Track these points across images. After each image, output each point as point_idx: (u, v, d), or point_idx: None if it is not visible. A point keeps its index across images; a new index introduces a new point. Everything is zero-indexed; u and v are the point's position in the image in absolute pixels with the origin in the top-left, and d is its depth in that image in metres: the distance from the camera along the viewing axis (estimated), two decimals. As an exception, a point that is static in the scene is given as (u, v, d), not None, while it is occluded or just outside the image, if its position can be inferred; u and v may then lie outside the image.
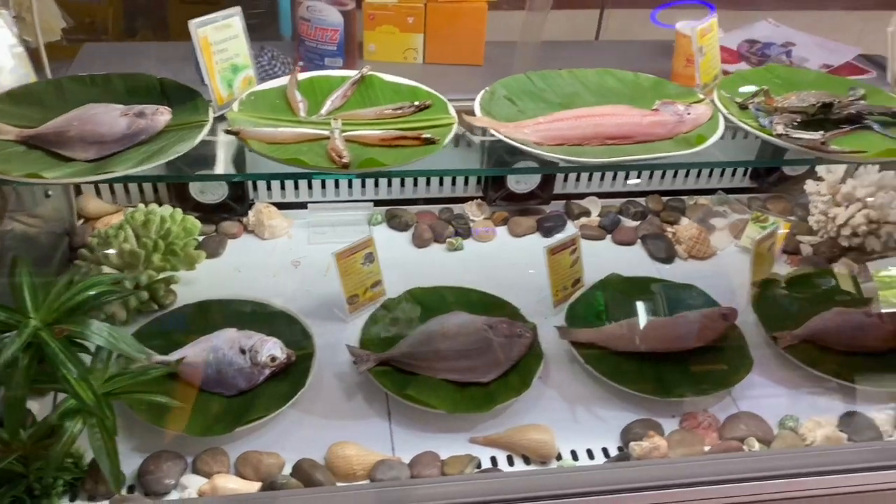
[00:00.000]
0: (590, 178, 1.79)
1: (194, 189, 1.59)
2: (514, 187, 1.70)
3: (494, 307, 1.46)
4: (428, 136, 1.06)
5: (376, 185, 1.71)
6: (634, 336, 1.38)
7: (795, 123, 1.16)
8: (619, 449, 1.23)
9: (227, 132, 1.03)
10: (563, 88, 1.28)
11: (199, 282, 1.52)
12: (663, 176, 1.82)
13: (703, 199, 1.82)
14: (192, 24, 1.10)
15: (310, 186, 1.69)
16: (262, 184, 1.67)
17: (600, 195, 1.83)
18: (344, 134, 1.07)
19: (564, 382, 1.36)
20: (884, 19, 2.05)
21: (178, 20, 1.82)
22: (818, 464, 1.14)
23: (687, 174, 1.82)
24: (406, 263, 1.62)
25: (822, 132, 1.10)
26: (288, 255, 1.62)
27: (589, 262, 1.61)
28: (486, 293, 1.49)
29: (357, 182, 1.70)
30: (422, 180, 1.73)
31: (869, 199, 1.65)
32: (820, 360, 1.38)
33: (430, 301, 1.47)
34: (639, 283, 1.54)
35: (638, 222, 1.76)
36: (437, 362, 1.32)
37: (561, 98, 1.26)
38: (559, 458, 1.21)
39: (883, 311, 1.44)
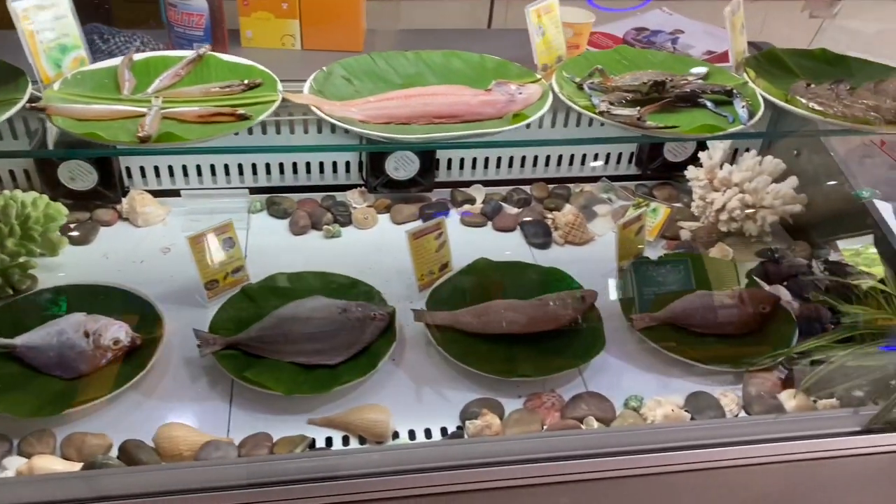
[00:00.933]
0: (473, 167, 1.80)
1: (63, 176, 1.58)
2: (392, 174, 1.71)
3: (358, 292, 1.46)
4: (242, 112, 1.06)
5: (254, 172, 1.71)
6: (490, 318, 1.39)
7: (624, 101, 1.18)
8: (458, 428, 1.23)
9: (31, 108, 1.03)
10: (406, 69, 1.29)
11: (63, 268, 1.52)
12: (547, 164, 1.83)
13: (588, 187, 1.83)
14: (12, 2, 1.10)
15: (185, 174, 1.68)
16: (136, 170, 1.67)
17: (486, 183, 1.83)
18: (166, 111, 1.07)
19: (417, 364, 1.36)
20: (787, 8, 2.09)
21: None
22: (647, 441, 1.14)
23: (571, 161, 1.83)
24: (281, 250, 1.62)
25: (638, 108, 1.11)
26: (160, 243, 1.62)
27: (467, 249, 1.62)
28: (353, 278, 1.49)
29: (234, 169, 1.70)
30: (301, 167, 1.73)
31: (746, 184, 1.66)
32: (676, 342, 1.39)
33: (293, 286, 1.47)
34: (506, 267, 1.55)
35: (520, 209, 1.77)
36: (284, 345, 1.32)
37: (402, 79, 1.27)
38: (396, 436, 1.21)
39: (744, 293, 1.45)
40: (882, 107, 1.19)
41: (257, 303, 1.43)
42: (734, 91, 1.21)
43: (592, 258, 1.65)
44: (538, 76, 1.25)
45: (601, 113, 1.14)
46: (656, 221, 1.72)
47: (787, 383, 1.33)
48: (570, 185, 1.85)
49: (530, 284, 1.52)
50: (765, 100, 1.23)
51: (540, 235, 1.68)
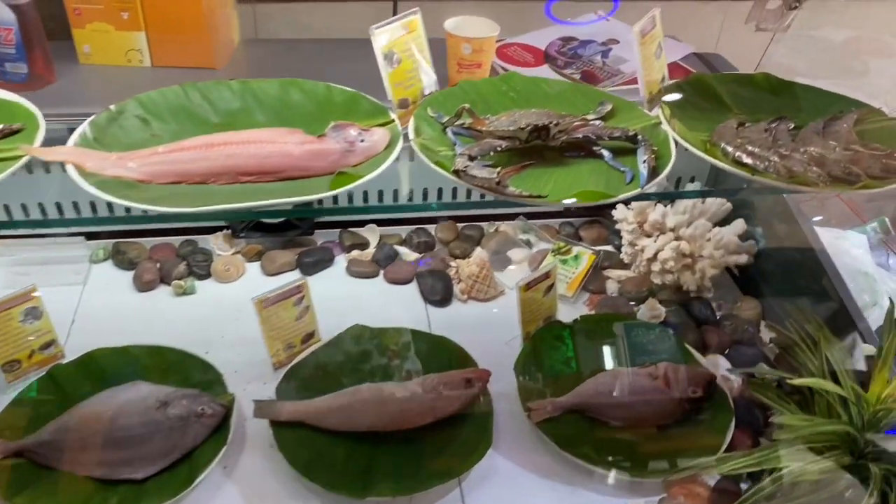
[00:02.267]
0: (365, 200, 1.52)
1: None
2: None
3: (194, 373, 1.20)
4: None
5: (94, 210, 1.43)
6: (351, 411, 1.13)
7: (496, 151, 0.91)
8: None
9: None
10: (227, 104, 1.02)
11: None
12: (454, 195, 1.55)
13: (504, 226, 1.56)
14: None
15: (8, 214, 1.41)
16: (-56, 215, 1.39)
17: (386, 222, 1.56)
18: None
19: (256, 474, 1.10)
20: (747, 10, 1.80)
21: None
22: None
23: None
24: (118, 313, 1.35)
25: (498, 169, 0.84)
26: (-30, 304, 1.33)
27: (349, 307, 1.36)
28: (191, 354, 1.23)
29: (69, 206, 1.42)
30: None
31: (682, 230, 1.40)
32: (582, 439, 1.13)
33: (113, 367, 1.20)
34: (385, 336, 1.29)
35: (420, 255, 1.50)
36: (82, 453, 1.05)
37: (221, 117, 1.01)
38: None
39: (670, 370, 1.19)
40: (827, 159, 0.93)
41: (65, 390, 1.16)
42: (638, 137, 0.94)
43: (498, 320, 1.39)
44: (392, 116, 0.98)
45: (456, 172, 0.87)
46: (577, 271, 1.45)
47: (725, 498, 1.07)
48: (485, 224, 1.58)
49: (413, 359, 1.25)
50: (681, 147, 0.96)
51: (439, 290, 1.41)
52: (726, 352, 1.34)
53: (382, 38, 0.96)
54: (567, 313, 1.39)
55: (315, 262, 1.47)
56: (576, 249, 1.50)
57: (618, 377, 1.20)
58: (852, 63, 1.67)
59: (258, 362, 1.25)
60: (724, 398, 1.20)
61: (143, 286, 1.39)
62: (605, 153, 0.95)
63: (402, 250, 1.51)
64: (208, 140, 0.91)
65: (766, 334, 1.38)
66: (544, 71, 1.51)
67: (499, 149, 0.93)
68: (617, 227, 1.48)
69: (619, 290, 1.45)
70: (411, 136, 0.95)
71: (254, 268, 1.47)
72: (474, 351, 1.27)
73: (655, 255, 1.42)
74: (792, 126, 1.03)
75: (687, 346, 1.30)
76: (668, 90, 1.07)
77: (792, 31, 1.62)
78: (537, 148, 0.96)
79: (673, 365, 1.22)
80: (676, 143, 0.97)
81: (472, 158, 0.89)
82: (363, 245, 1.52)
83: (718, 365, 1.30)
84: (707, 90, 1.11)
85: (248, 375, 1.25)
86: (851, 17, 1.82)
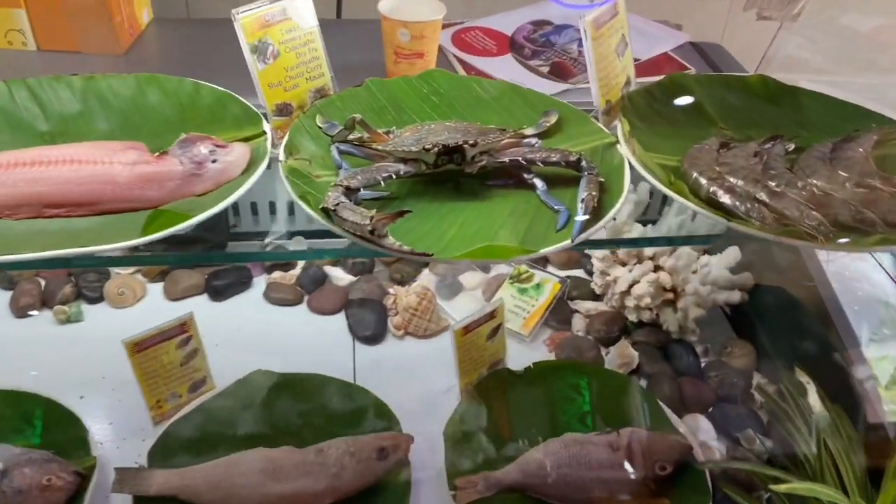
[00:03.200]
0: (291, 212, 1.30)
1: None
2: (162, 230, 1.22)
3: (55, 426, 1.00)
4: None
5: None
6: (234, 485, 0.92)
7: (392, 178, 0.69)
8: None
9: None
10: (64, 107, 0.81)
11: None
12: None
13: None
14: None
15: None
16: None
17: (307, 235, 1.34)
18: None
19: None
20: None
21: None
22: None
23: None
24: (-13, 344, 1.15)
25: (372, 213, 0.61)
26: None
27: (264, 342, 1.16)
28: (55, 402, 1.03)
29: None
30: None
31: (663, 259, 1.17)
32: (519, 527, 0.92)
33: (-43, 418, 0.99)
34: (292, 384, 1.07)
35: (354, 279, 1.28)
36: None
37: (53, 124, 0.81)
38: None
39: (635, 439, 0.97)
40: (834, 198, 0.69)
41: None
42: (582, 163, 0.72)
43: (438, 362, 1.17)
44: (265, 127, 0.76)
45: (325, 210, 0.64)
46: (537, 304, 1.23)
47: None
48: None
49: (324, 416, 1.04)
50: (637, 176, 0.73)
51: (370, 324, 1.20)
52: (710, 410, 1.11)
53: (250, 24, 0.74)
54: (521, 355, 1.17)
55: (227, 286, 1.25)
56: (538, 276, 1.27)
57: (570, 447, 0.98)
58: (880, 58, 1.41)
59: (140, 412, 1.05)
60: (701, 477, 0.98)
61: (19, 311, 1.19)
62: (538, 183, 0.73)
63: (334, 272, 1.30)
64: (12, 158, 0.70)
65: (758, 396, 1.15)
66: (506, 62, 1.28)
67: (395, 176, 0.70)
68: (587, 250, 1.26)
69: (586, 326, 1.22)
70: (281, 155, 0.72)
71: (156, 290, 1.26)
72: (403, 403, 1.06)
73: (630, 287, 1.19)
74: (791, 148, 0.80)
75: (660, 404, 1.08)
76: (633, 98, 0.84)
77: (808, 18, 1.38)
78: (451, 174, 0.74)
79: (640, 432, 1.00)
80: (634, 169, 0.74)
81: (350, 190, 0.66)
82: (288, 265, 1.30)
83: (698, 428, 1.08)
84: (684, 97, 0.87)
85: (126, 429, 1.04)
86: (882, 1, 1.56)
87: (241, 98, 0.81)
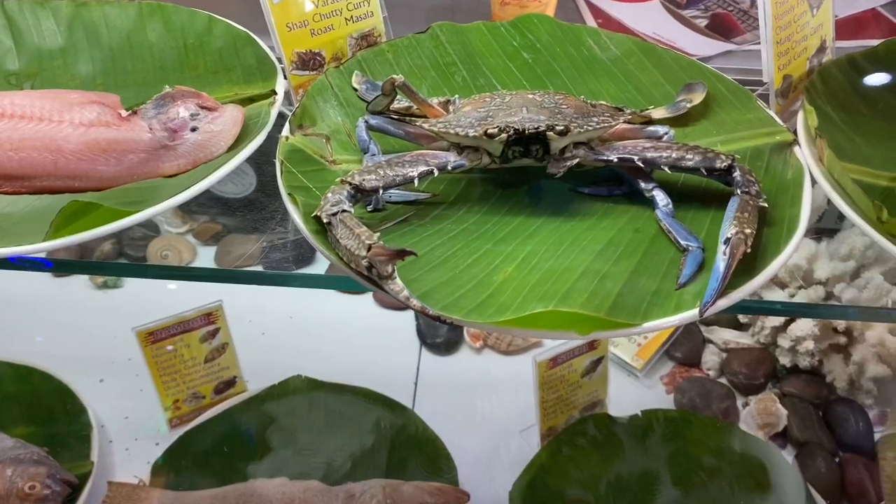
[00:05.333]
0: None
1: None
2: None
3: (60, 415, 0.88)
4: None
5: None
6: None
7: (439, 172, 0.47)
8: None
9: None
10: (44, 39, 0.64)
11: None
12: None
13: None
14: None
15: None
16: None
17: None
18: None
19: None
20: None
21: None
22: None
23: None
24: (27, 306, 1.05)
25: (375, 240, 0.39)
26: None
27: (314, 339, 1.00)
28: (66, 387, 0.92)
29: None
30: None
31: (838, 287, 0.88)
32: None
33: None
34: (335, 399, 0.90)
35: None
36: None
37: (26, 60, 0.65)
38: None
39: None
40: None
41: None
42: (735, 172, 0.46)
43: (520, 388, 0.94)
44: (279, 85, 0.55)
45: (318, 220, 0.43)
46: (657, 329, 0.96)
47: None
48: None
49: (364, 443, 0.85)
50: (820, 193, 0.46)
51: (443, 329, 0.99)
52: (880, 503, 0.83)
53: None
54: (629, 395, 0.93)
55: (288, 259, 1.07)
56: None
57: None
58: None
59: (161, 410, 0.90)
60: None
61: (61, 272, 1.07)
62: (660, 198, 0.48)
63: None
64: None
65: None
66: (653, 10, 1.00)
67: (437, 171, 0.47)
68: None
69: (720, 365, 0.96)
70: (286, 128, 0.51)
71: (208, 255, 1.10)
72: (466, 440, 0.86)
73: (788, 322, 0.91)
74: None
75: (811, 489, 0.80)
76: (828, 73, 0.56)
77: None
78: (528, 173, 0.50)
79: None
80: (819, 187, 0.47)
81: (362, 191, 0.44)
82: (362, 241, 1.10)
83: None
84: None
85: (141, 427, 0.91)
86: None
87: (261, 42, 0.60)
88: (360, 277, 0.41)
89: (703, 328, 1.00)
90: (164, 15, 0.64)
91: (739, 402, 0.93)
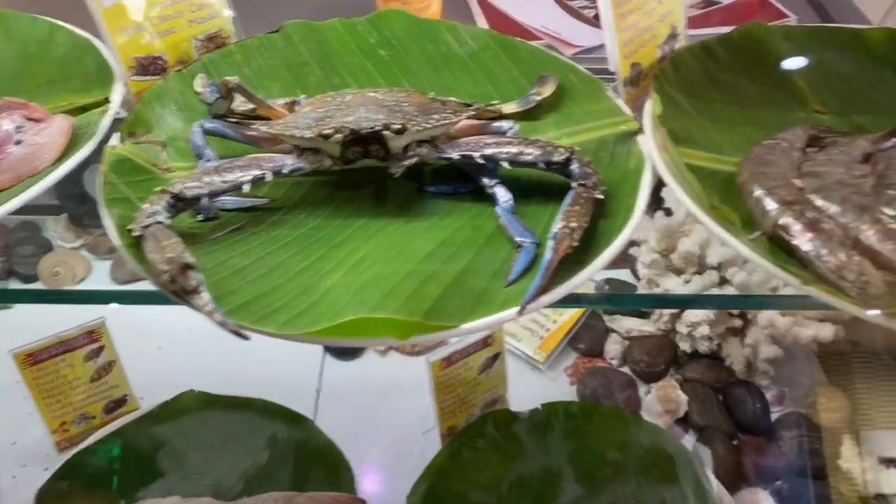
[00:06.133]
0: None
1: None
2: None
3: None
4: None
5: None
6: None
7: (275, 176, 0.45)
8: None
9: None
10: None
11: None
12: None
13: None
14: None
15: None
16: None
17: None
18: None
19: None
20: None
21: None
22: None
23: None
24: None
25: (179, 253, 0.38)
26: None
27: (212, 349, 0.95)
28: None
29: None
30: None
31: (730, 271, 0.89)
32: None
33: None
34: (228, 413, 0.87)
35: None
36: None
37: None
38: None
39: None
40: None
41: None
42: (572, 164, 0.45)
43: (424, 392, 0.93)
44: (117, 93, 0.53)
45: (131, 233, 0.41)
46: (561, 319, 0.97)
47: None
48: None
49: (260, 457, 0.83)
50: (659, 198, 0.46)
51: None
52: (776, 484, 0.84)
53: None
54: (532, 389, 0.92)
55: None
56: (568, 281, 1.00)
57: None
58: None
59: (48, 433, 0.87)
60: None
61: (-60, 290, 1.02)
62: (501, 195, 0.47)
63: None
64: None
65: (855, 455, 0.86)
66: (543, 3, 1.00)
67: (271, 176, 0.46)
68: (631, 251, 0.98)
69: (623, 353, 0.96)
70: (114, 138, 0.49)
71: (103, 269, 1.07)
72: (368, 446, 0.84)
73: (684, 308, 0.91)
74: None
75: (708, 474, 0.81)
76: (680, 61, 0.56)
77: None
78: (377, 172, 0.49)
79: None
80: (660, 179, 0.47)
81: (184, 201, 0.43)
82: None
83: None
84: (762, 61, 0.58)
85: (30, 453, 0.86)
86: None
87: (103, 48, 0.57)
88: (168, 292, 0.39)
89: (605, 317, 1.00)
90: (4, 23, 0.61)
91: (642, 389, 0.93)
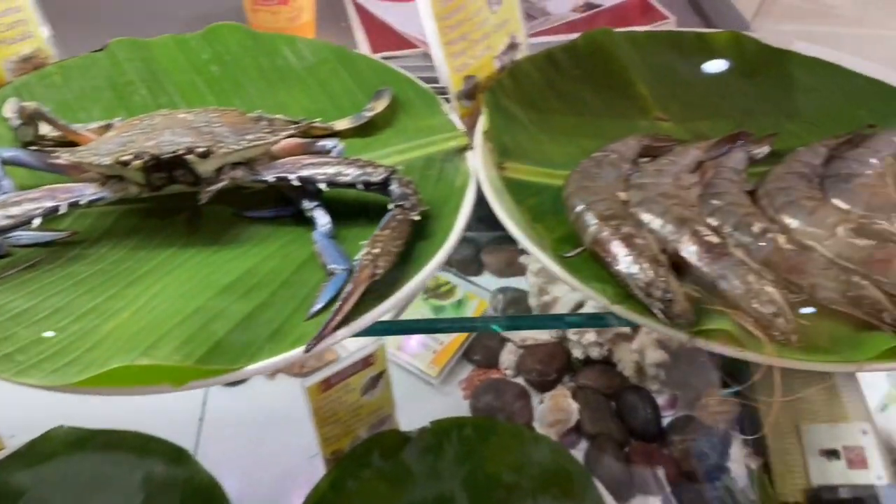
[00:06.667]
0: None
1: None
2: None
3: None
4: None
5: None
6: None
7: (72, 207, 0.42)
8: None
9: None
10: None
11: None
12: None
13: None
14: None
15: None
16: None
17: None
18: None
19: None
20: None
21: None
22: None
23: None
24: None
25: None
26: None
27: None
28: None
29: None
30: None
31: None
32: None
33: None
34: (106, 446, 0.82)
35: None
36: None
37: None
38: None
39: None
40: (808, 269, 0.40)
41: None
42: (391, 184, 0.43)
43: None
44: None
45: None
46: (453, 335, 0.95)
47: None
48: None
49: (133, 496, 0.79)
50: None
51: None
52: (669, 491, 0.83)
53: None
54: (426, 405, 0.90)
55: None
56: (462, 289, 0.99)
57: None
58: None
59: None
60: None
61: None
62: (320, 219, 0.45)
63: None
64: None
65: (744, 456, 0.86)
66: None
67: (66, 207, 0.43)
68: (521, 259, 0.97)
69: (516, 364, 0.95)
70: None
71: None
72: (253, 475, 0.81)
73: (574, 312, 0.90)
74: (761, 154, 0.50)
75: (596, 485, 0.80)
76: (520, 73, 0.54)
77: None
78: (191, 199, 0.46)
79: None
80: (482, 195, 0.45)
81: None
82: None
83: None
84: (606, 69, 0.57)
85: None
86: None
87: None
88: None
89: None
90: None
91: (536, 399, 0.92)
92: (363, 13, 0.96)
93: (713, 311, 0.38)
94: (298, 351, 0.36)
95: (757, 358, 0.37)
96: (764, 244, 0.41)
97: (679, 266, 0.42)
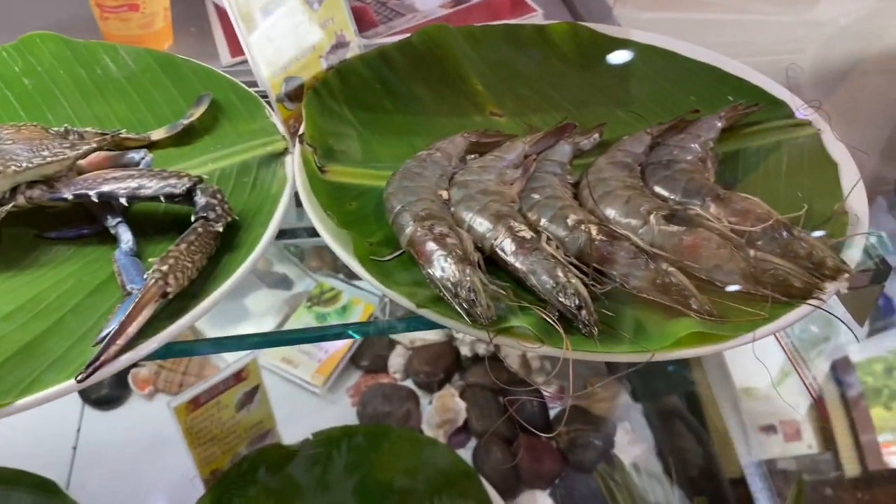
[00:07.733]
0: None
1: None
2: None
3: None
4: None
5: None
6: None
7: None
8: None
9: None
10: None
11: None
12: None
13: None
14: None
15: None
16: None
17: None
18: None
19: None
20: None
21: None
22: None
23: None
24: None
25: None
26: None
27: None
28: None
29: None
30: None
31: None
32: None
33: None
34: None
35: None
36: None
37: None
38: None
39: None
40: (618, 259, 0.40)
41: None
42: (196, 195, 0.41)
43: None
44: None
45: None
46: (338, 343, 0.93)
47: None
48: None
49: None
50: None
51: (104, 383, 0.88)
52: (556, 481, 0.84)
53: None
54: (314, 415, 0.88)
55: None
56: (347, 294, 0.97)
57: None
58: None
59: None
60: None
61: None
62: (122, 234, 0.42)
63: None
64: None
65: (628, 443, 0.87)
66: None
67: None
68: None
69: (404, 367, 0.93)
70: None
71: None
72: (125, 501, 0.78)
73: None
74: (589, 145, 0.50)
75: (483, 483, 0.79)
76: (350, 72, 0.53)
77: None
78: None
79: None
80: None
81: None
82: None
83: (536, 511, 0.80)
84: (442, 66, 0.56)
85: None
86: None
87: None
88: None
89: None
90: None
91: (425, 401, 0.91)
92: (224, 17, 0.93)
93: (519, 309, 0.37)
94: (65, 386, 0.34)
95: (554, 352, 0.36)
96: (577, 237, 0.41)
97: (498, 263, 0.41)
